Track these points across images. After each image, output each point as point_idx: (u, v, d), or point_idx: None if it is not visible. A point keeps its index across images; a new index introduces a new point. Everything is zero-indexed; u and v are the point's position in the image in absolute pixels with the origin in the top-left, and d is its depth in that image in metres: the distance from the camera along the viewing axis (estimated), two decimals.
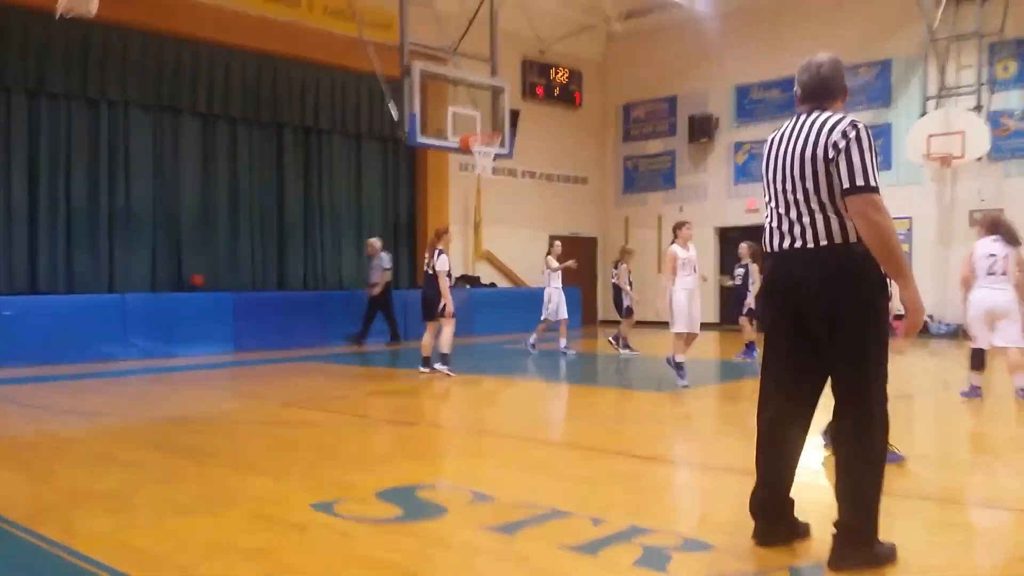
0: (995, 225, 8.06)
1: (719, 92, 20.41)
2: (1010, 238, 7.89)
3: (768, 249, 3.61)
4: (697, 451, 6.38)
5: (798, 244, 3.44)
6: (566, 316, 13.65)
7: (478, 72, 13.24)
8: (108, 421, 7.55)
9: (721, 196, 20.45)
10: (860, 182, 3.29)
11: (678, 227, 10.08)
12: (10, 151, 13.03)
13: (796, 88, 3.69)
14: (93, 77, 13.66)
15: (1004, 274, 7.81)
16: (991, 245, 7.90)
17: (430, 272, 10.41)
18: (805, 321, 3.46)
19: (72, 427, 7.31)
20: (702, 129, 20.35)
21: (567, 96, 21.46)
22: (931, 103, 16.74)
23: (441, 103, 13.98)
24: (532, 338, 13.74)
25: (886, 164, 17.94)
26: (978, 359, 8.27)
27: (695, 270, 9.81)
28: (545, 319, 13.61)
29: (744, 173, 20.03)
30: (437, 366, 10.30)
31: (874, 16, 17.99)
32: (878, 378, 3.45)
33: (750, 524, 4.02)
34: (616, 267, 13.80)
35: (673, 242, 9.92)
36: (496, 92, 13.26)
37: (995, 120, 16.41)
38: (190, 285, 14.62)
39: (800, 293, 3.45)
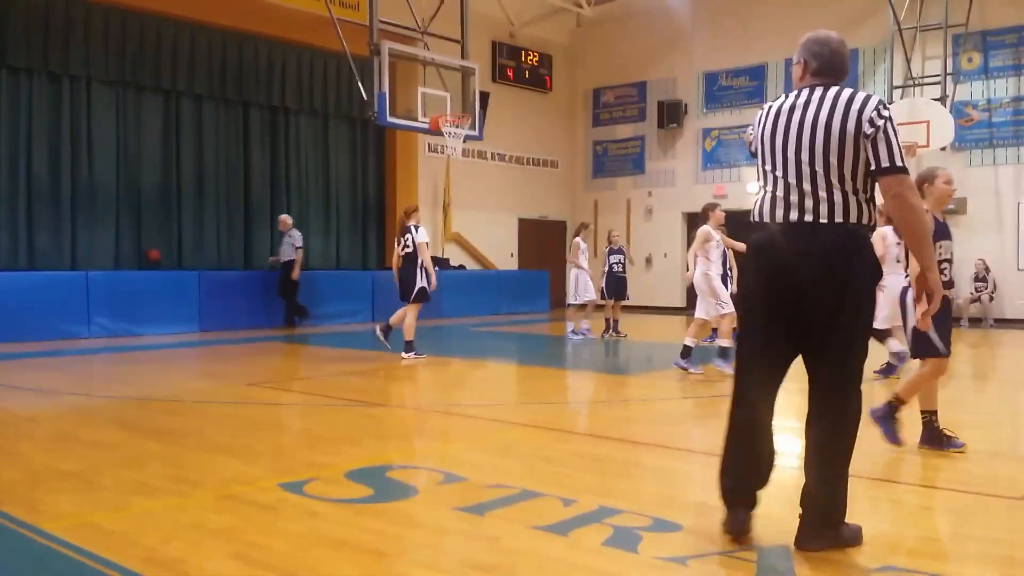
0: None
1: (688, 79, 20.49)
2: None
3: (766, 219, 3.44)
4: (665, 433, 6.43)
5: (809, 218, 3.31)
6: (593, 297, 13.38)
7: (448, 53, 13.14)
8: (71, 400, 7.45)
9: (689, 182, 20.56)
10: (899, 162, 3.31)
11: (711, 208, 9.62)
12: None
13: (805, 60, 3.54)
14: (55, 52, 13.41)
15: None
16: (896, 235, 8.26)
17: (405, 252, 10.24)
18: (800, 298, 3.35)
19: (35, 406, 7.20)
20: (671, 115, 20.43)
21: (537, 79, 21.42)
22: (897, 92, 16.92)
23: (411, 83, 13.85)
24: (581, 325, 13.31)
25: None
26: (881, 337, 8.58)
27: (724, 255, 9.73)
28: (585, 302, 13.29)
29: (712, 159, 20.15)
30: (403, 355, 10.19)
31: (841, 5, 18.11)
32: (862, 356, 3.45)
33: (719, 505, 4.05)
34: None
35: (704, 224, 9.46)
36: (466, 74, 13.17)
37: (959, 111, 16.64)
38: (148, 261, 14.43)
39: (805, 268, 3.32)
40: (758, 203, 3.51)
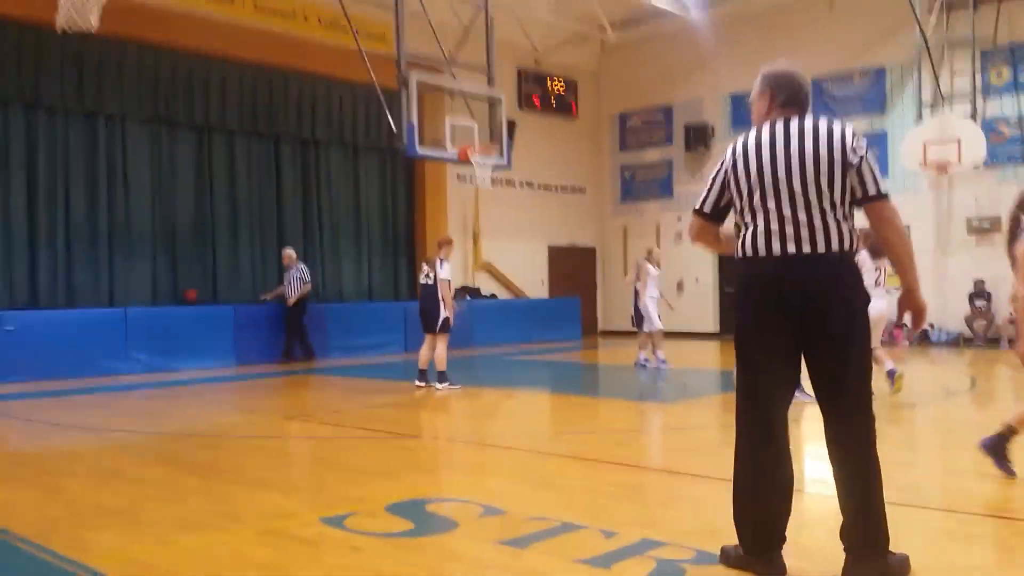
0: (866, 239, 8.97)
1: (714, 101, 20.48)
2: (875, 253, 8.92)
3: (762, 253, 3.43)
4: (704, 462, 6.38)
5: (807, 249, 3.34)
6: (661, 327, 12.69)
7: (475, 83, 13.26)
8: (113, 436, 7.53)
9: None
10: (883, 189, 3.44)
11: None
12: (9, 166, 13.05)
13: (772, 92, 3.58)
14: (90, 91, 13.68)
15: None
16: (872, 260, 9.02)
17: (428, 283, 10.38)
18: (806, 329, 3.36)
19: (77, 442, 7.29)
20: (698, 138, 20.40)
21: (563, 106, 21.51)
22: (926, 110, 16.79)
23: (438, 114, 13.98)
24: (644, 356, 12.78)
25: (882, 172, 17.88)
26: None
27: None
28: (650, 331, 12.62)
29: None
30: (436, 385, 10.25)
31: (867, 23, 18.08)
32: (871, 378, 3.50)
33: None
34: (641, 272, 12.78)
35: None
36: (493, 103, 13.26)
37: (990, 127, 16.48)
38: (185, 300, 14.58)
39: (810, 299, 3.35)
40: (749, 238, 3.48)
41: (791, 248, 3.37)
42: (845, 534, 3.44)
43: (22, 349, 11.62)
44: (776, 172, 3.42)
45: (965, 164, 15.76)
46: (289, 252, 14.71)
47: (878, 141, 18.05)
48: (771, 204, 3.43)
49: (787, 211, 3.40)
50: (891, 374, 8.96)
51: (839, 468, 3.47)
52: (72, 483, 5.57)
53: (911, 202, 17.62)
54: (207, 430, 7.86)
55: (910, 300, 3.46)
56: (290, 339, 14.52)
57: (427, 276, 10.42)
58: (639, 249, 21.34)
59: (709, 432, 7.76)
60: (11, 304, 12.77)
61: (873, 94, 18.18)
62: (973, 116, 16.02)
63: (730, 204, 3.63)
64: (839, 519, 3.46)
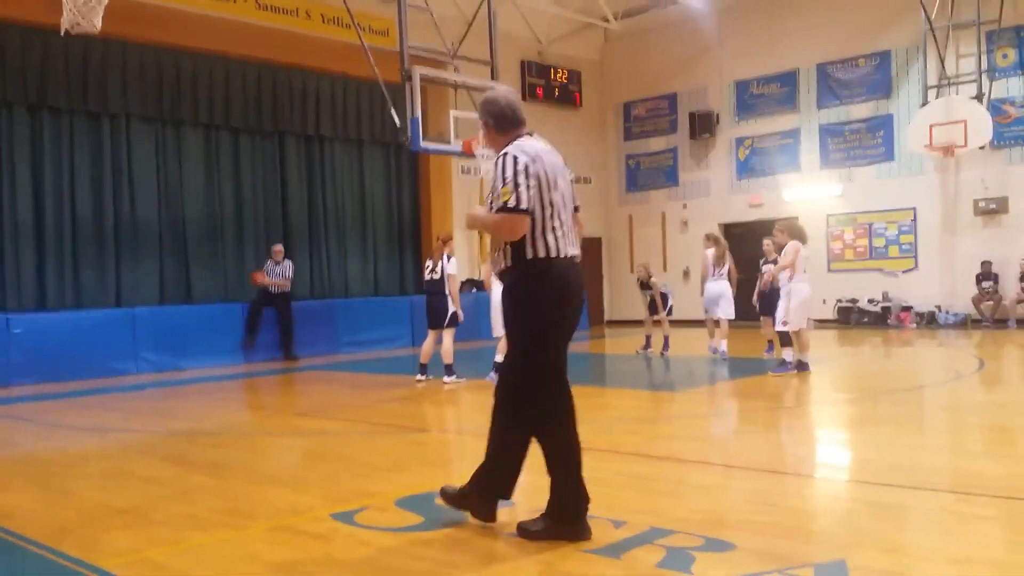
0: (792, 231, 10.15)
1: (719, 88, 20.41)
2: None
3: (562, 255, 3.94)
4: (708, 450, 6.38)
5: (573, 252, 4.02)
6: (730, 315, 12.21)
7: (478, 75, 13.23)
8: (122, 436, 7.57)
9: (724, 192, 20.45)
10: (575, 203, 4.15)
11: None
12: (14, 167, 13.06)
13: (512, 111, 4.18)
14: (94, 91, 13.69)
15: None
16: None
17: (435, 278, 10.38)
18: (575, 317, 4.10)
19: (86, 443, 7.32)
20: (703, 125, 20.34)
21: (567, 96, 21.45)
22: (932, 93, 16.72)
23: (442, 107, 13.95)
24: (720, 344, 12.19)
25: (889, 155, 17.93)
26: (787, 338, 10.22)
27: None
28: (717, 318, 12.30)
29: (747, 168, 20.03)
30: (444, 379, 10.26)
31: (872, 7, 17.99)
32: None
33: (770, 522, 4.03)
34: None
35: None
36: None
37: (996, 108, 16.39)
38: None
39: (580, 294, 4.08)
40: (553, 241, 3.91)
41: (571, 251, 4.01)
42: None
43: (30, 351, 11.64)
44: (557, 186, 4.00)
45: (971, 145, 15.70)
46: (279, 247, 14.73)
47: (884, 124, 17.99)
48: (562, 212, 3.99)
49: (565, 217, 4.00)
50: (802, 367, 9.89)
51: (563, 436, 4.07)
52: (82, 484, 5.59)
53: (918, 184, 17.61)
54: (216, 428, 7.89)
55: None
56: (287, 334, 14.47)
57: (432, 271, 10.41)
58: (645, 238, 21.42)
59: (712, 420, 7.76)
60: (19, 306, 12.81)
61: (879, 77, 18.09)
62: (979, 97, 15.94)
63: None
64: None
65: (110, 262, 14.00)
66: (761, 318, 12.24)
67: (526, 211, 3.84)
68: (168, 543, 4.14)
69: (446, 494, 4.27)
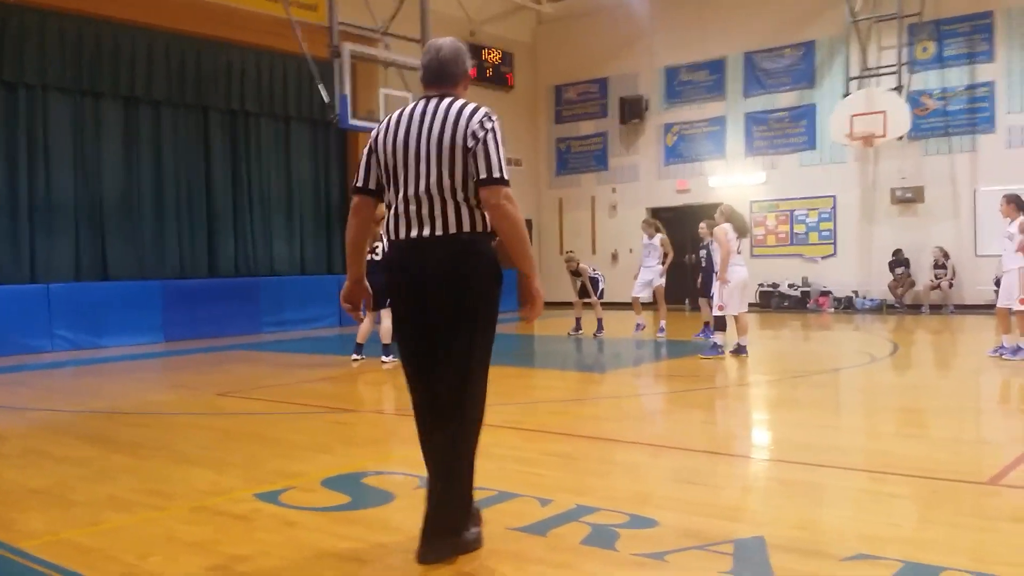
0: (729, 215, 10.25)
1: (649, 74, 20.61)
2: (740, 231, 10.17)
3: (392, 236, 3.50)
4: (635, 429, 6.48)
5: (427, 232, 3.39)
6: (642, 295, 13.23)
7: (409, 54, 13.12)
8: (38, 415, 7.35)
9: (652, 177, 20.70)
10: (496, 174, 3.36)
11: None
12: None
13: (420, 72, 3.63)
14: (9, 60, 13.13)
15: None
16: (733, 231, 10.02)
17: (374, 259, 10.23)
18: (430, 306, 3.44)
19: (1, 422, 7.09)
20: (633, 111, 20.54)
21: (499, 78, 21.41)
22: (853, 84, 17.16)
23: (372, 85, 13.82)
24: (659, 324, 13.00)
25: (810, 144, 18.36)
26: (722, 322, 10.22)
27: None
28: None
29: (674, 154, 20.30)
30: (383, 359, 10.16)
31: None
32: (483, 361, 3.52)
33: (692, 500, 4.11)
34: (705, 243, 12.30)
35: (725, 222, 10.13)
36: None
37: (915, 100, 16.91)
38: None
39: (428, 278, 3.42)
40: (388, 221, 3.52)
41: (413, 232, 3.42)
42: (430, 511, 3.51)
43: None
44: (406, 158, 3.44)
45: (890, 136, 16.20)
46: None
47: (807, 114, 18.40)
48: (401, 186, 3.45)
49: (412, 192, 3.42)
50: (740, 350, 9.91)
51: (440, 438, 3.57)
52: None
53: (838, 173, 18.08)
54: (136, 407, 7.71)
55: (527, 287, 3.55)
56: None
57: (372, 252, 10.25)
58: (574, 221, 21.55)
59: (639, 400, 7.88)
60: None
61: (802, 67, 18.48)
62: (898, 89, 16.41)
63: (380, 180, 3.58)
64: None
65: (24, 236, 13.48)
66: (700, 300, 12.88)
67: (359, 188, 3.62)
68: (88, 524, 4.04)
69: (461, 545, 3.55)
